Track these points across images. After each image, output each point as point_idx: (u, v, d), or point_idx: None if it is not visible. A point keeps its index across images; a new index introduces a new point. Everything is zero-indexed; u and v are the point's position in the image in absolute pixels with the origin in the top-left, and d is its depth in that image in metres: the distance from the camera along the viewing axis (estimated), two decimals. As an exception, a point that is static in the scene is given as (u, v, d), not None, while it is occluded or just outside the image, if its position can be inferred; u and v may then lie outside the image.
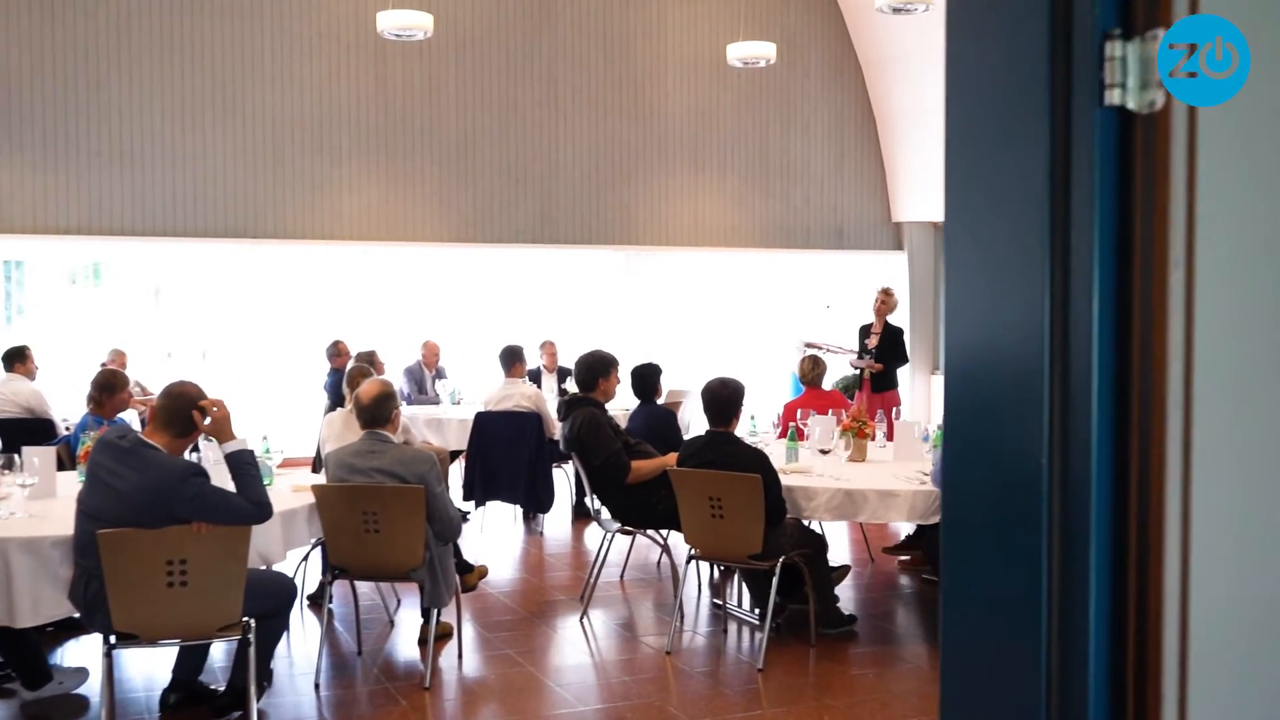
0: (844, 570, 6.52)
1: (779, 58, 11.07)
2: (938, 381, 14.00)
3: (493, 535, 8.44)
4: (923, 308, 13.99)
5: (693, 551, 5.60)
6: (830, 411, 6.79)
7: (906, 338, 11.06)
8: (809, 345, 11.59)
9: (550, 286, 12.93)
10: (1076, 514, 1.12)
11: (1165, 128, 1.12)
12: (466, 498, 8.55)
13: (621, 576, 7.05)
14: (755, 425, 6.71)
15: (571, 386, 10.21)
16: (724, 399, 5.50)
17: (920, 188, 13.57)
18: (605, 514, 6.32)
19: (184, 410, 4.28)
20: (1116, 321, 1.12)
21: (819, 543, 5.72)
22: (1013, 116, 1.20)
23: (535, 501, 8.39)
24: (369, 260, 12.21)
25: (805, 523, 5.87)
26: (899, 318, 11.35)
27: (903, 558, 7.25)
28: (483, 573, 6.46)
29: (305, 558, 5.99)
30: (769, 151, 13.43)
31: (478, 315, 12.53)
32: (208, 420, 4.31)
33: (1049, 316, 1.14)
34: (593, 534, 8.51)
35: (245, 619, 4.33)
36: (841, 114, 13.73)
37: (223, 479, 4.36)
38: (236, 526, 4.22)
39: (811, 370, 7.53)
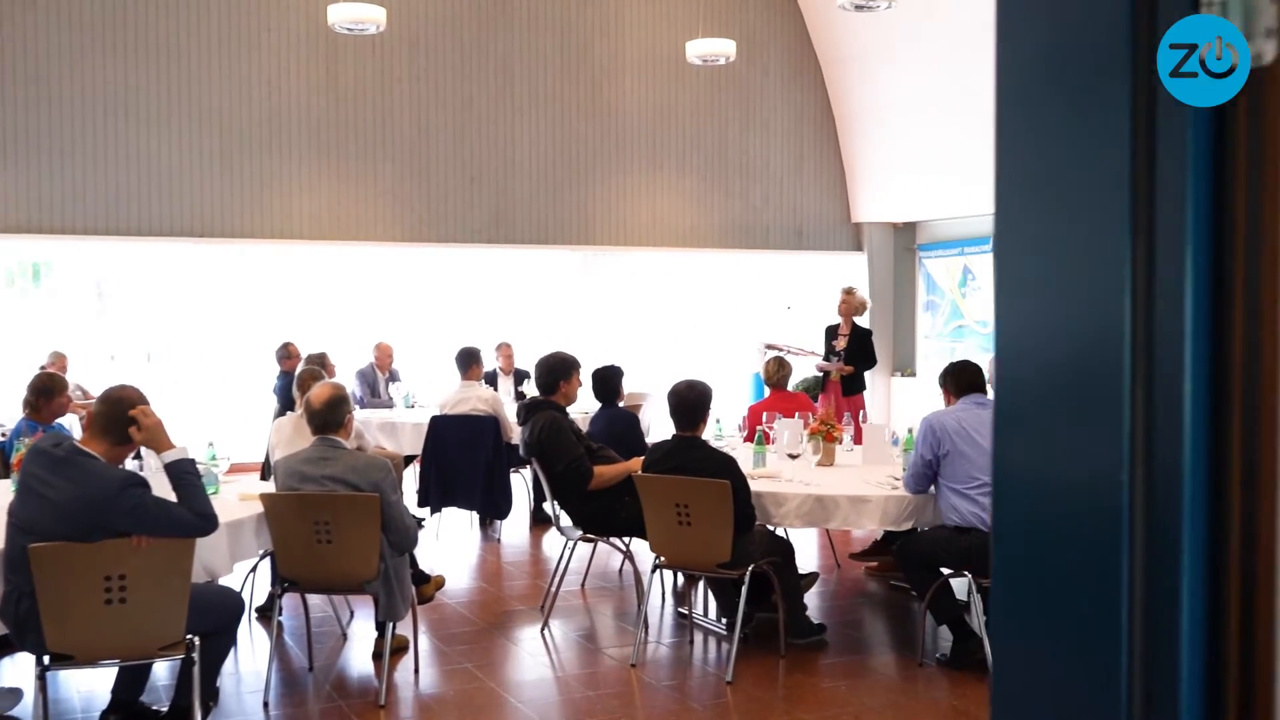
0: (812, 577, 6.36)
1: (738, 55, 10.93)
2: (899, 384, 13.93)
3: (449, 543, 8.20)
4: (882, 309, 13.90)
5: (658, 560, 5.41)
6: (797, 414, 6.63)
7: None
8: (770, 346, 11.45)
9: (507, 287, 12.70)
10: (1164, 547, 0.95)
11: (1275, 83, 0.95)
12: (421, 504, 8.31)
13: (583, 585, 6.85)
14: (720, 429, 6.53)
15: (529, 389, 10.05)
16: (691, 402, 5.32)
17: (880, 188, 13.49)
18: (566, 521, 6.12)
19: (122, 416, 4.02)
20: (1212, 315, 0.94)
21: (788, 550, 5.55)
22: (1085, 77, 1.02)
23: (492, 507, 8.17)
24: (320, 260, 11.91)
25: (773, 529, 5.70)
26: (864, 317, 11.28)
27: (870, 564, 7.11)
28: (440, 583, 6.24)
29: (253, 569, 5.73)
30: (728, 150, 13.29)
31: (432, 317, 12.28)
32: (139, 430, 4.04)
33: (1130, 311, 0.97)
34: (552, 540, 8.31)
35: (189, 637, 4.09)
36: (801, 113, 13.61)
37: (165, 489, 4.11)
38: (179, 539, 3.98)
39: (777, 372, 7.37)
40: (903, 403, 13.66)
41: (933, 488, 5.26)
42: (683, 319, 13.36)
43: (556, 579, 6.19)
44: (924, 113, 12.55)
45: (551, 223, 12.49)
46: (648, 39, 12.83)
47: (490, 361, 10.68)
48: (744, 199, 13.38)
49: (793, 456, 5.67)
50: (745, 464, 5.60)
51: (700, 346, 13.19)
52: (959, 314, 13.38)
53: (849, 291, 9.85)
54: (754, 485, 5.34)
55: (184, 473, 4.04)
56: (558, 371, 6.12)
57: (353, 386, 10.06)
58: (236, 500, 5.17)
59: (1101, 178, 0.99)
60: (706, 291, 13.51)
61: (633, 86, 12.81)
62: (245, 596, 5.82)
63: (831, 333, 9.94)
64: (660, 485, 5.24)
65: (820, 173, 13.75)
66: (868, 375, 10.52)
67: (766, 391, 10.16)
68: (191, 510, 4.00)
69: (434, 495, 8.22)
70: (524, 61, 12.30)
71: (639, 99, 12.84)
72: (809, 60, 13.58)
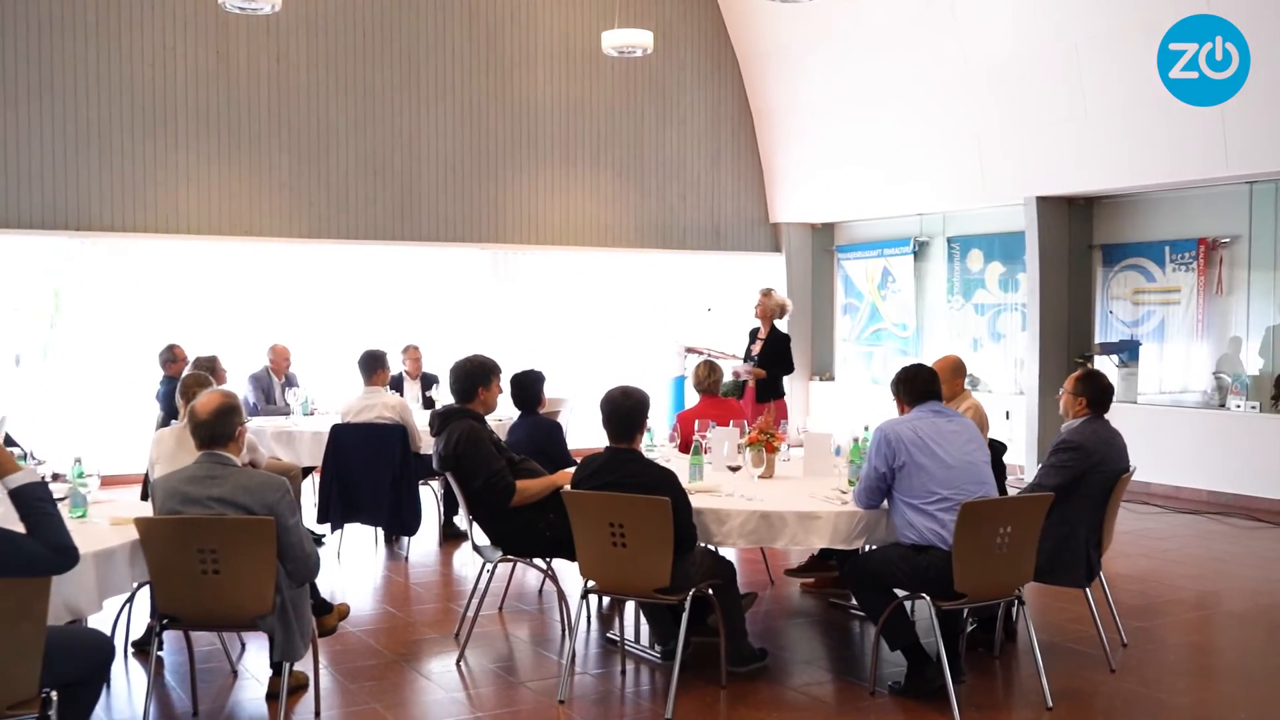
0: (751, 598, 5.91)
1: (654, 49, 10.49)
2: (817, 388, 13.62)
3: (352, 563, 7.58)
4: (800, 311, 13.58)
5: (589, 585, 4.90)
6: (732, 422, 6.18)
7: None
8: (690, 350, 11.02)
9: (413, 287, 12.06)
10: None
11: None
12: (321, 520, 7.68)
13: (500, 608, 6.30)
14: (652, 439, 6.04)
15: (438, 395, 9.48)
16: (626, 411, 4.81)
17: (798, 187, 13.17)
18: (483, 540, 5.57)
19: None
20: None
21: (729, 571, 5.09)
22: None
23: (399, 523, 7.57)
24: (211, 256, 11.14)
25: (713, 549, 5.24)
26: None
27: (806, 580, 6.69)
28: (343, 612, 5.65)
29: (130, 599, 5.07)
30: (644, 147, 12.84)
31: (333, 318, 11.59)
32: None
33: None
34: (464, 557, 7.75)
35: (45, 692, 3.46)
36: (718, 109, 13.23)
37: (12, 519, 3.48)
38: (31, 579, 3.35)
39: (708, 377, 6.91)
40: (822, 408, 13.35)
41: (885, 502, 4.85)
42: (599, 322, 12.86)
43: (473, 604, 5.64)
44: (843, 110, 12.26)
45: (460, 220, 11.92)
46: (561, 28, 12.31)
47: (396, 365, 10.08)
48: (660, 197, 12.95)
49: (733, 469, 5.21)
50: (680, 478, 5.11)
51: (617, 350, 12.71)
52: (878, 317, 13.12)
53: (766, 293, 9.51)
54: (693, 501, 4.86)
55: (34, 499, 3.42)
56: (476, 377, 5.56)
57: (245, 392, 9.37)
58: (107, 526, 4.52)
59: None
60: (623, 293, 13.04)
61: (545, 78, 12.28)
62: (119, 631, 5.17)
63: (753, 335, 9.60)
64: (592, 502, 4.73)
65: (738, 171, 13.38)
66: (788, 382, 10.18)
67: (689, 398, 9.78)
68: (45, 543, 3.38)
69: (335, 510, 7.59)
70: (430, 49, 11.69)
71: (552, 91, 12.32)
72: (727, 55, 13.20)
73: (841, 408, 13.00)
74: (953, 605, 4.61)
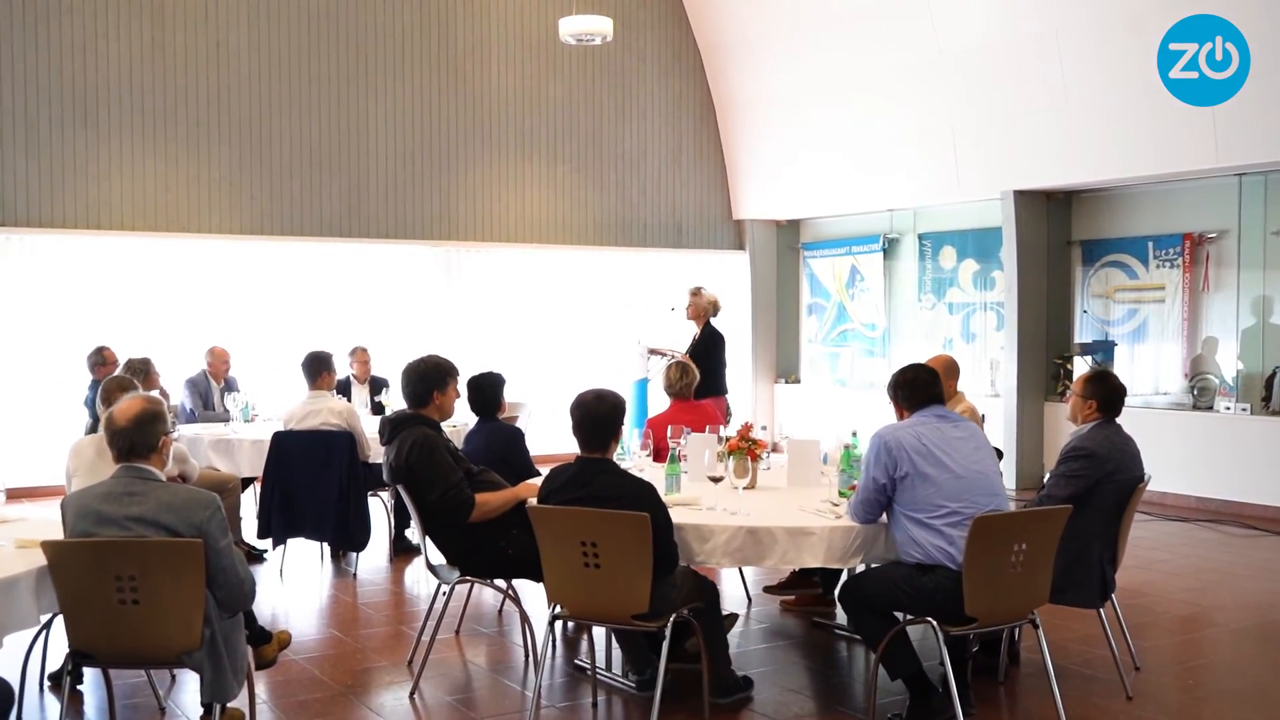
0: (732, 619, 5.45)
1: (614, 39, 10.02)
2: (782, 391, 13.21)
3: (295, 582, 7.02)
4: (765, 309, 13.19)
5: (558, 610, 4.41)
6: (708, 428, 5.71)
7: (746, 341, 10.13)
8: (653, 351, 10.56)
9: (361, 286, 11.50)
10: None
11: None
12: (262, 535, 7.12)
13: (457, 631, 5.79)
14: (625, 448, 5.54)
15: (388, 399, 8.93)
16: (600, 417, 4.33)
17: (763, 183, 12.75)
18: (439, 559, 5.07)
19: None
20: None
21: (713, 593, 4.62)
22: None
23: (346, 538, 7.04)
24: (145, 254, 10.51)
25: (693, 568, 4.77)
26: (735, 317, 10.42)
27: (786, 597, 6.24)
28: (284, 641, 5.10)
29: (46, 625, 4.49)
30: (603, 140, 12.36)
31: (276, 319, 10.98)
32: None
33: None
34: (416, 573, 7.23)
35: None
36: (679, 101, 12.78)
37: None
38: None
39: (680, 379, 6.44)
40: (787, 411, 12.94)
41: (884, 516, 4.41)
42: (556, 323, 12.35)
43: (428, 629, 5.13)
44: (810, 102, 11.86)
45: (410, 216, 11.39)
46: (516, 14, 11.81)
47: (343, 368, 9.55)
48: (620, 193, 12.48)
49: (715, 480, 4.74)
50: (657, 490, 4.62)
51: (576, 352, 12.21)
52: (846, 317, 12.73)
53: (695, 292, 9.22)
54: (673, 516, 4.39)
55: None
56: (431, 379, 5.05)
57: (182, 398, 8.79)
58: (12, 550, 3.98)
59: None
60: (582, 292, 12.54)
61: (500, 67, 11.77)
62: (32, 664, 4.60)
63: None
64: (562, 519, 4.25)
65: (700, 166, 12.94)
66: (741, 380, 9.79)
67: (654, 401, 9.34)
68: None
69: (277, 525, 7.03)
70: (379, 35, 11.15)
71: (507, 81, 11.81)
72: (688, 44, 12.76)
73: (807, 411, 12.59)
74: (962, 630, 4.17)
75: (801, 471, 5.37)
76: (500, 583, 5.10)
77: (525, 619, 5.02)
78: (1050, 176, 9.98)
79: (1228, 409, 9.19)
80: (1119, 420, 4.90)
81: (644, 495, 4.22)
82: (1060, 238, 10.53)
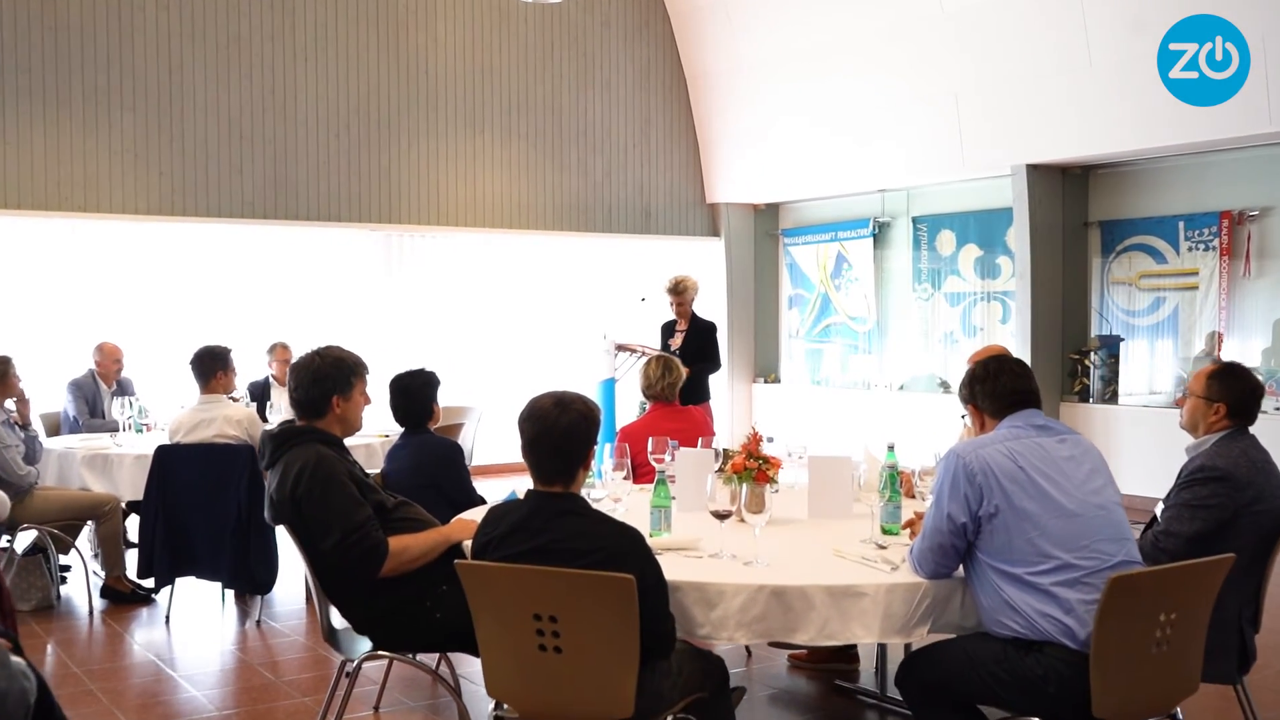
0: (739, 693, 4.15)
1: (574, 1, 8.76)
2: (760, 392, 12.00)
3: (186, 633, 5.65)
4: (741, 302, 11.97)
5: (500, 709, 3.10)
6: (700, 441, 4.43)
7: (722, 337, 8.99)
8: (621, 348, 9.29)
9: (288, 275, 10.20)
10: None
11: None
12: (144, 574, 5.77)
13: (376, 708, 4.48)
14: (598, 472, 4.16)
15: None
16: (563, 432, 2.98)
17: (739, 163, 11.52)
18: (343, 624, 3.74)
19: None
20: None
21: (720, 674, 3.32)
22: None
23: (246, 578, 5.68)
24: (31, 236, 9.15)
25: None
26: (710, 311, 9.26)
27: (796, 652, 4.98)
28: None
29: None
30: (562, 114, 11.08)
31: (186, 312, 9.65)
32: None
33: None
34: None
35: None
36: (648, 71, 11.52)
37: None
38: None
39: (661, 378, 5.16)
40: (766, 414, 11.70)
41: (961, 568, 3.16)
42: (512, 317, 11.10)
43: (333, 712, 3.79)
44: (792, 70, 10.64)
45: (345, 196, 10.07)
46: (464, -31, 10.50)
47: (263, 368, 8.24)
48: (582, 173, 11.21)
49: (720, 516, 3.46)
50: (639, 528, 3.31)
51: (535, 350, 10.96)
52: (831, 309, 11.53)
53: (680, 289, 8.10)
54: (665, 569, 3.09)
55: None
56: (329, 381, 3.70)
57: (64, 403, 7.44)
58: None
59: None
60: (541, 283, 11.28)
61: (446, 30, 10.46)
62: None
63: (668, 330, 8.16)
64: (506, 581, 2.93)
65: (671, 143, 11.69)
66: (717, 382, 8.62)
67: (624, 407, 8.28)
68: None
69: (161, 561, 5.67)
70: (306, -11, 9.81)
71: (455, 46, 10.50)
72: (656, 10, 11.50)
73: (788, 414, 11.38)
74: (1084, 733, 2.92)
75: (828, 499, 4.10)
76: (427, 658, 3.79)
77: (464, 713, 3.69)
78: (1068, 148, 8.82)
79: (1277, 409, 8.06)
80: (1253, 430, 3.68)
81: (626, 547, 2.93)
82: (1076, 219, 9.36)
